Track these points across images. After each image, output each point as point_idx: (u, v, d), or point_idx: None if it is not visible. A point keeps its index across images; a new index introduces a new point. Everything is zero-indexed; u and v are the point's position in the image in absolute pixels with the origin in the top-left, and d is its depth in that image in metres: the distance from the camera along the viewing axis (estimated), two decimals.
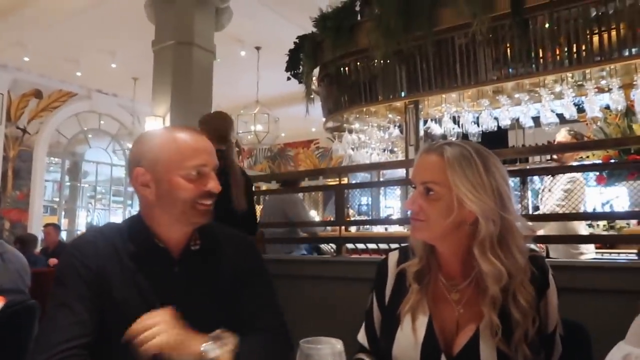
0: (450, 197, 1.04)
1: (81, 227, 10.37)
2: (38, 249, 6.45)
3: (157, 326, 0.99)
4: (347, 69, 4.55)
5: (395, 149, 5.56)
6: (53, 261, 5.43)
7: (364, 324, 1.22)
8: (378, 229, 4.58)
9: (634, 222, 3.95)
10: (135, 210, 10.74)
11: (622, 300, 1.10)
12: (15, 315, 1.89)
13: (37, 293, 2.18)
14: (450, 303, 1.10)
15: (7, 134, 8.58)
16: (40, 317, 2.10)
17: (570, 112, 3.88)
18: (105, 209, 11.02)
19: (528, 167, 7.54)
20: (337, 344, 0.80)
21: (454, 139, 4.53)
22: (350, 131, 5.07)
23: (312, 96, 4.91)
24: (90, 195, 11.03)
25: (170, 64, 4.47)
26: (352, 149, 5.13)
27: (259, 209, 4.10)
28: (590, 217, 3.44)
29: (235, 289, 1.23)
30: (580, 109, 4.02)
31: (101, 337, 1.10)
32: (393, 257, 1.23)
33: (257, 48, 7.21)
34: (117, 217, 11.00)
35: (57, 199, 9.92)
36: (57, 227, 6.44)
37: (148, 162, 1.16)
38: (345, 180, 7.52)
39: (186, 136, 1.17)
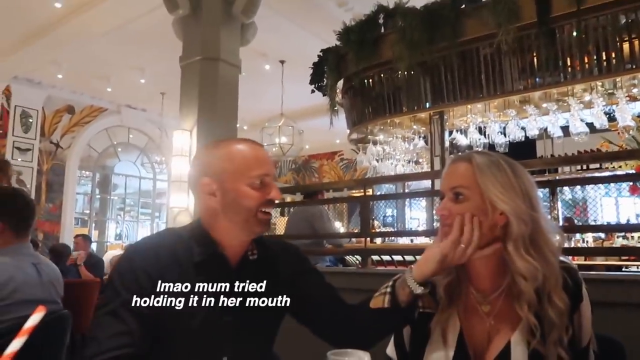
0: (481, 200, 1.06)
1: (110, 239, 10.62)
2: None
3: None
4: (371, 81, 4.56)
5: (421, 160, 5.52)
6: (85, 272, 5.55)
7: (392, 338, 1.22)
8: (403, 241, 4.54)
9: None
10: (162, 221, 10.95)
11: None
12: (49, 325, 1.94)
13: (68, 303, 2.23)
14: (481, 315, 1.09)
15: (41, 149, 8.88)
16: (73, 327, 2.15)
17: (600, 122, 3.79)
18: (133, 220, 11.25)
19: (557, 177, 7.40)
20: (365, 357, 0.80)
21: (480, 149, 4.49)
22: (375, 143, 5.06)
23: (336, 108, 4.93)
24: (119, 208, 11.29)
25: (197, 79, 4.56)
26: (377, 161, 5.11)
27: (283, 221, 4.12)
28: (626, 229, 3.33)
29: (294, 291, 1.28)
30: (611, 118, 3.93)
31: (153, 346, 1.12)
32: None
33: (282, 62, 7.30)
34: (145, 229, 11.21)
35: (88, 211, 10.18)
36: (86, 238, 6.58)
37: (214, 172, 1.21)
38: (370, 192, 7.50)
39: (249, 147, 1.24)
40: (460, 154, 1.18)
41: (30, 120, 8.70)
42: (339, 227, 8.47)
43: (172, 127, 5.43)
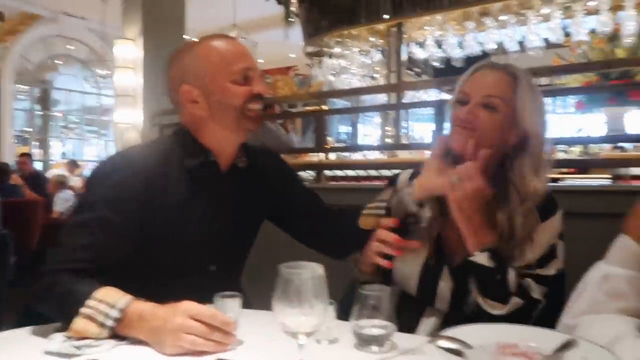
0: (511, 116, 1.06)
1: (55, 157, 10.15)
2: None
3: None
4: None
5: (376, 76, 5.43)
6: (28, 192, 5.32)
7: None
8: (357, 156, 4.56)
9: (608, 147, 4.00)
10: (110, 139, 10.51)
11: (597, 223, 1.12)
12: None
13: (11, 223, 2.13)
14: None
15: None
16: (17, 246, 2.07)
17: (556, 36, 3.79)
18: (79, 138, 10.74)
19: None
20: (318, 268, 0.78)
21: (436, 64, 4.45)
22: (331, 56, 4.90)
23: (291, 19, 4.68)
24: (63, 125, 10.70)
25: None
26: (332, 75, 4.99)
27: None
28: (566, 142, 3.45)
29: (282, 199, 1.30)
30: (567, 34, 3.93)
31: (137, 255, 1.09)
32: (405, 175, 1.25)
33: None
34: (92, 148, 10.78)
35: (31, 129, 9.61)
36: (30, 157, 6.29)
37: (192, 76, 1.14)
38: (325, 107, 7.38)
39: (224, 42, 1.16)
40: (494, 61, 1.15)
41: None
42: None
43: (116, 37, 5.03)
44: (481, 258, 1.03)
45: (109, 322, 0.89)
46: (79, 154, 10.68)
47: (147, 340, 0.89)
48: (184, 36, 4.51)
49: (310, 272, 0.78)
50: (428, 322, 1.13)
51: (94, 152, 10.76)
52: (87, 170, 8.03)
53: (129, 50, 4.26)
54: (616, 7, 3.62)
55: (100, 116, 10.43)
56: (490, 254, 1.03)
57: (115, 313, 0.90)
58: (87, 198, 1.10)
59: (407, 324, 1.09)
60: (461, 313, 1.08)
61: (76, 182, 6.89)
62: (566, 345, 0.76)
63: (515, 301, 1.02)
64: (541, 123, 1.09)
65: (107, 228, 1.03)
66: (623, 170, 2.57)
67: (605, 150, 3.90)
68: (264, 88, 1.17)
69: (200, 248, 1.17)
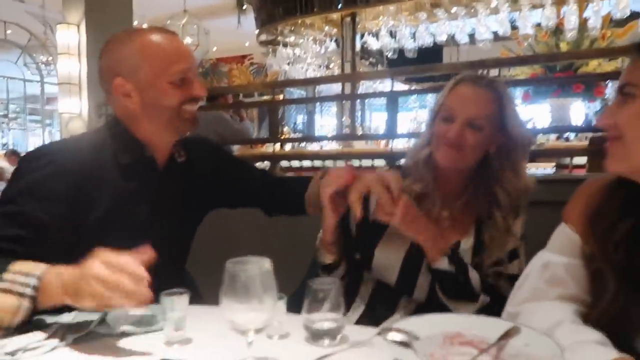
0: (495, 129, 1.12)
1: None
2: None
3: None
4: None
5: (332, 65, 5.43)
6: None
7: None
8: (313, 147, 4.55)
9: (553, 137, 4.18)
10: (56, 129, 10.03)
11: (543, 211, 1.17)
12: None
13: None
14: (439, 219, 1.17)
15: None
16: None
17: (504, 29, 3.91)
18: (21, 128, 10.19)
19: None
20: (265, 263, 0.77)
21: (389, 55, 4.49)
22: (285, 45, 4.85)
23: (244, 7, 4.59)
24: (2, 114, 10.11)
25: None
26: (288, 64, 4.94)
27: None
28: None
29: (224, 185, 1.30)
30: (514, 27, 4.06)
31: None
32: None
33: None
34: (36, 138, 10.26)
35: None
36: None
37: (128, 70, 1.09)
38: (281, 97, 7.32)
39: (166, 39, 1.11)
40: (469, 74, 1.17)
41: None
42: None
43: (58, 21, 4.76)
44: (442, 263, 1.08)
45: (28, 291, 0.85)
46: (22, 145, 10.13)
47: (68, 299, 0.84)
48: (133, 22, 4.34)
49: (258, 267, 0.76)
50: (403, 313, 1.16)
51: (38, 142, 10.24)
52: None
53: (72, 36, 4.05)
54: (560, 2, 3.77)
55: (44, 105, 9.91)
56: (450, 258, 1.08)
57: (33, 281, 0.85)
58: (10, 190, 1.04)
59: (382, 314, 1.13)
60: (436, 304, 1.12)
61: None
62: (509, 333, 0.78)
63: (483, 299, 1.07)
64: (521, 130, 1.15)
65: (27, 224, 0.99)
66: (567, 160, 2.69)
67: (551, 140, 4.08)
68: (202, 90, 1.14)
69: (140, 243, 1.12)
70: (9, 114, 10.11)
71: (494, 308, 1.05)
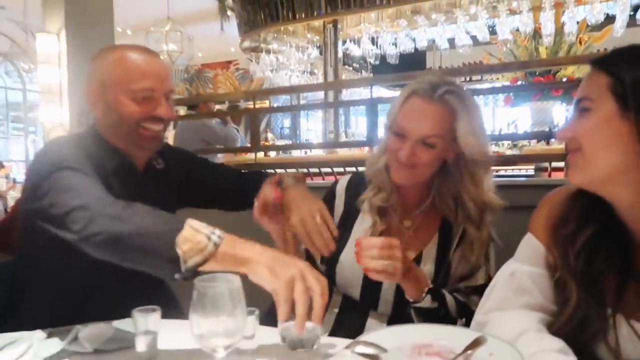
0: (450, 143, 1.08)
1: None
2: None
3: None
4: None
5: (315, 71, 5.45)
6: None
7: None
8: (298, 153, 4.56)
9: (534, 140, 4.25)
10: (39, 137, 9.90)
11: (521, 215, 1.19)
12: None
13: None
14: (402, 230, 1.17)
15: None
16: None
17: (483, 34, 3.97)
18: (4, 137, 10.05)
19: None
20: (235, 280, 0.77)
21: (371, 61, 4.52)
22: (268, 52, 4.85)
23: (227, 13, 4.59)
24: None
25: None
26: (271, 71, 4.95)
27: (170, 135, 3.93)
28: (497, 138, 3.63)
29: (193, 187, 1.34)
30: (493, 32, 4.12)
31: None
32: (343, 181, 1.27)
33: None
34: (20, 146, 10.12)
35: None
36: None
37: (98, 80, 1.15)
38: (266, 104, 7.32)
39: (137, 57, 1.15)
40: (422, 85, 1.09)
41: None
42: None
43: (40, 29, 4.71)
44: (426, 302, 1.06)
45: (215, 237, 0.86)
46: (4, 154, 9.98)
47: (245, 269, 0.85)
48: (116, 29, 4.31)
49: (226, 283, 0.76)
50: (373, 325, 1.15)
51: (21, 150, 10.10)
52: (14, 171, 7.53)
53: (52, 44, 4.01)
54: (536, 8, 3.83)
55: (26, 112, 9.79)
56: (432, 295, 1.06)
57: (218, 231, 0.88)
58: (48, 170, 1.03)
59: (353, 327, 1.14)
60: (404, 315, 1.11)
61: (0, 184, 6.44)
62: (475, 343, 0.79)
63: (461, 322, 1.09)
64: (480, 141, 1.09)
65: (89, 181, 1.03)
66: (546, 163, 2.74)
67: (532, 143, 4.14)
68: (166, 112, 1.16)
69: None
70: None
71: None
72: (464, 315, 1.09)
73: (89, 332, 0.92)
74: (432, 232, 1.17)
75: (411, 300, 1.07)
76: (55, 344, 0.90)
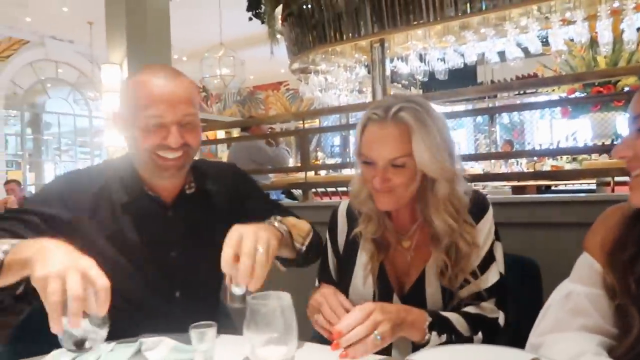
0: (414, 164, 1.04)
1: (48, 181, 10.13)
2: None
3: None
4: (310, 7, 4.36)
5: (364, 89, 5.48)
6: None
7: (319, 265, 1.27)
8: (347, 172, 4.59)
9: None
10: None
11: (574, 234, 1.13)
12: None
13: None
14: (401, 251, 1.15)
15: None
16: None
17: (535, 46, 3.86)
18: (72, 161, 10.73)
19: (497, 103, 7.63)
20: (285, 297, 0.80)
21: (420, 78, 4.49)
22: (317, 72, 4.95)
23: (277, 37, 4.73)
24: (55, 148, 10.70)
25: (123, 7, 4.20)
26: (320, 91, 5.03)
27: (224, 156, 4.07)
28: (553, 153, 3.51)
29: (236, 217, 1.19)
30: (546, 42, 4.00)
31: None
32: (343, 206, 1.26)
33: None
34: None
35: (22, 152, 9.60)
36: (19, 184, 6.23)
37: (120, 106, 1.15)
38: (316, 123, 7.43)
39: (150, 82, 1.09)
40: (376, 110, 1.05)
41: None
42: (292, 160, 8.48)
43: (105, 60, 5.06)
44: (434, 340, 0.99)
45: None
46: None
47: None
48: (172, 57, 4.54)
49: (278, 301, 0.79)
50: (400, 346, 1.11)
51: None
52: None
53: (116, 74, 4.29)
54: (591, 17, 3.70)
55: (92, 138, 10.43)
56: (437, 330, 0.99)
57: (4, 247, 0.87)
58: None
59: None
60: None
61: None
62: None
63: (478, 337, 1.02)
64: (437, 157, 1.03)
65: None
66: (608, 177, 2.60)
67: (593, 156, 3.95)
68: (174, 142, 1.08)
69: (158, 275, 1.17)
70: (61, 146, 10.67)
71: (492, 338, 1.03)
72: (479, 329, 1.02)
73: (152, 345, 0.98)
74: (431, 244, 1.12)
75: (417, 342, 1.00)
76: (122, 355, 0.96)
